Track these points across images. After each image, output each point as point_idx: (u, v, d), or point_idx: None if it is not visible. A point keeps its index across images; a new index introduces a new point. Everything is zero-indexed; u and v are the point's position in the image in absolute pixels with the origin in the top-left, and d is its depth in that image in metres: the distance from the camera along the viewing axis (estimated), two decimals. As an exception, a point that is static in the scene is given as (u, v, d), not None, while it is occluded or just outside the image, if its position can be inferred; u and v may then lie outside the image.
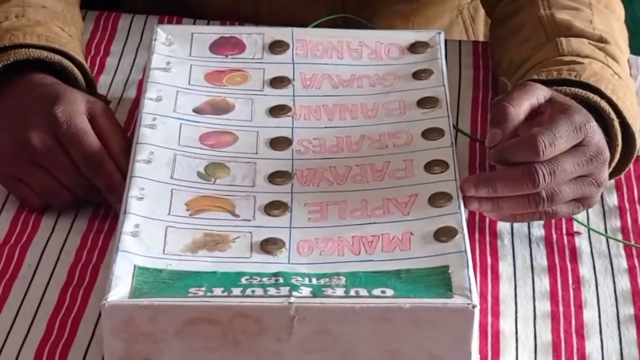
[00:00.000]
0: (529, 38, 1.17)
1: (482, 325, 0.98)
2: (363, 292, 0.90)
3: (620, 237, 1.08)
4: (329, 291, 0.90)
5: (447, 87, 1.13)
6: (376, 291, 0.90)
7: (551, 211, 1.01)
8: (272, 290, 0.90)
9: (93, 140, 1.06)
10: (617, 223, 1.10)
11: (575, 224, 1.08)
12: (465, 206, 1.00)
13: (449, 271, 0.92)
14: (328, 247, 0.96)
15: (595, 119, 1.05)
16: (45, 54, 1.11)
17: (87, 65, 1.16)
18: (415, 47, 1.18)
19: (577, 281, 1.04)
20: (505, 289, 1.03)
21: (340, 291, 0.90)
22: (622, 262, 1.06)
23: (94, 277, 1.01)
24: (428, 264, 0.94)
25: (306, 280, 0.92)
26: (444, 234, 0.96)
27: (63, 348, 0.96)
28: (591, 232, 1.08)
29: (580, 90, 1.07)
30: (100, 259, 1.03)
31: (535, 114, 1.03)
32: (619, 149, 1.08)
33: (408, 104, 1.12)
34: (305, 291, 0.90)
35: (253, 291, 0.90)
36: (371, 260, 0.95)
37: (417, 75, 1.15)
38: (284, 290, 0.90)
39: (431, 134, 1.07)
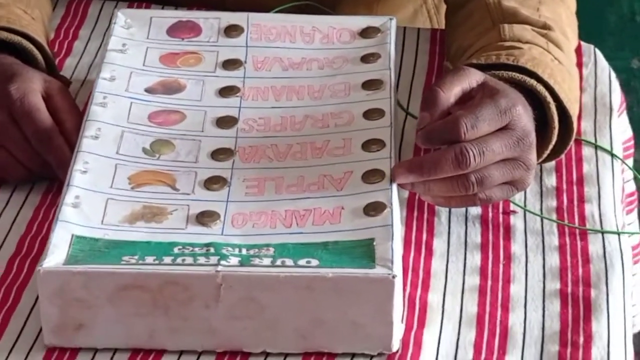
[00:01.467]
0: (477, 25, 1.19)
1: (411, 298, 1.00)
2: (289, 262, 0.93)
3: (554, 216, 1.10)
4: (257, 261, 0.93)
5: (392, 70, 1.14)
6: (302, 261, 0.93)
7: (485, 196, 1.03)
8: (201, 260, 0.93)
9: (45, 117, 1.08)
10: (553, 203, 1.12)
11: (511, 204, 1.09)
12: (400, 187, 1.01)
13: (374, 244, 0.95)
14: (261, 220, 0.99)
15: (531, 103, 1.07)
16: (4, 34, 1.14)
17: (47, 47, 1.18)
18: (366, 32, 1.20)
19: (508, 257, 1.06)
20: (438, 264, 1.05)
21: (267, 261, 0.93)
22: (553, 240, 1.08)
23: (41, 249, 1.02)
24: (355, 236, 0.96)
25: (236, 251, 0.94)
26: (373, 209, 0.98)
27: (5, 314, 0.98)
28: (527, 212, 1.09)
29: (517, 74, 1.09)
30: (49, 232, 1.04)
31: (467, 97, 1.04)
32: (556, 131, 1.09)
33: (353, 86, 1.14)
34: (234, 261, 0.93)
35: (184, 260, 0.93)
36: (301, 233, 0.97)
37: (365, 59, 1.17)
38: (214, 259, 0.93)
39: (372, 114, 1.09)
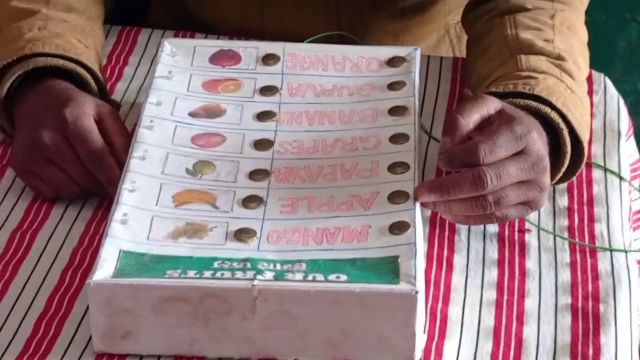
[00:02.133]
0: (496, 55, 1.18)
1: (433, 310, 0.99)
2: (320, 277, 0.92)
3: (566, 235, 1.08)
4: (290, 276, 0.92)
5: (417, 97, 1.14)
6: (332, 276, 0.92)
7: (501, 215, 1.02)
8: (239, 274, 0.92)
9: (96, 139, 1.08)
10: (565, 222, 1.10)
11: (526, 222, 1.08)
12: (422, 206, 1.01)
13: (398, 260, 0.94)
14: (294, 237, 0.98)
15: (546, 129, 1.06)
16: (61, 62, 1.14)
17: (99, 73, 1.18)
18: (393, 61, 1.19)
19: (523, 273, 1.04)
20: (457, 279, 1.04)
21: (299, 276, 0.92)
22: (565, 257, 1.06)
23: (92, 261, 1.00)
24: (381, 253, 0.95)
25: (271, 266, 0.94)
26: (398, 228, 0.97)
27: (58, 322, 0.97)
28: (540, 230, 1.08)
29: (533, 102, 1.07)
30: (100, 245, 1.03)
31: (486, 123, 1.03)
32: (568, 155, 1.08)
33: (380, 111, 1.13)
34: (269, 275, 0.92)
35: (222, 274, 0.92)
36: (331, 249, 0.96)
37: (392, 86, 1.16)
38: (250, 274, 0.92)
39: (398, 139, 1.09)
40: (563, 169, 1.09)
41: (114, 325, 0.93)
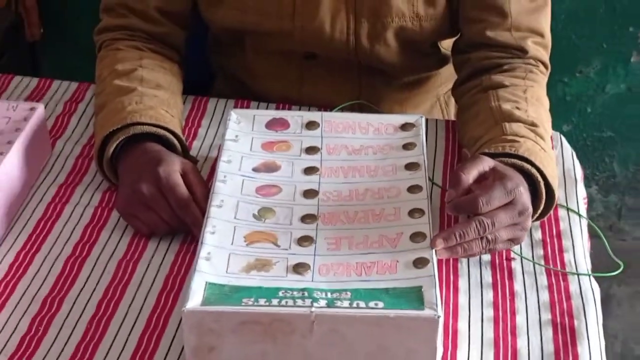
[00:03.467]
0: (484, 122, 1.09)
1: (445, 325, 0.91)
2: (362, 304, 0.84)
3: (542, 262, 1.00)
4: (339, 303, 0.84)
5: (425, 155, 1.05)
6: (371, 303, 0.84)
7: (493, 248, 0.95)
8: (299, 302, 0.84)
9: (183, 191, 1.00)
10: (541, 252, 1.02)
11: (512, 252, 1.00)
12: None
13: (422, 290, 0.85)
14: (339, 270, 0.90)
15: (527, 181, 0.98)
16: (154, 129, 1.06)
17: (183, 137, 1.10)
18: (405, 127, 1.10)
19: (512, 294, 0.96)
20: (463, 299, 0.95)
21: (346, 303, 0.84)
22: (543, 280, 0.98)
23: (181, 285, 0.96)
24: (408, 284, 0.87)
25: (323, 295, 0.86)
26: (420, 263, 0.89)
27: (157, 338, 0.89)
28: (523, 258, 1.00)
29: (518, 161, 0.99)
30: (186, 272, 0.96)
31: (482, 178, 0.95)
32: (543, 201, 1.00)
33: (398, 167, 1.04)
34: (322, 303, 0.84)
35: (286, 302, 0.84)
36: (369, 280, 0.88)
37: (406, 146, 1.07)
38: (308, 302, 0.84)
39: (414, 189, 1.00)
40: (539, 211, 1.01)
41: (202, 342, 0.84)
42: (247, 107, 1.25)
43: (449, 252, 0.92)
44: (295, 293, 0.85)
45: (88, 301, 0.93)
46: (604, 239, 1.05)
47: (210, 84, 1.42)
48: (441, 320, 0.82)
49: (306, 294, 0.85)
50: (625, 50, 2.05)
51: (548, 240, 1.03)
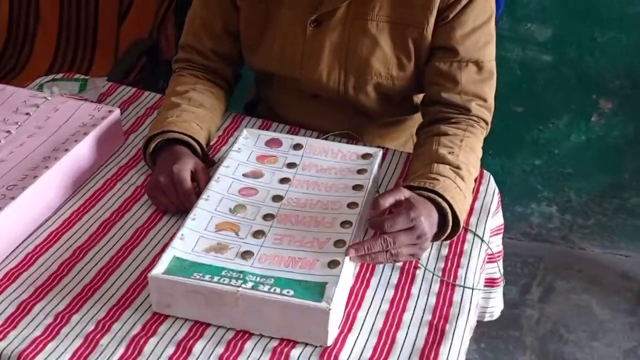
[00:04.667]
0: (422, 160, 0.99)
1: (347, 313, 0.82)
2: (278, 290, 0.76)
3: (440, 273, 0.88)
4: (260, 287, 0.76)
5: (370, 180, 0.94)
6: (285, 291, 0.75)
7: (396, 260, 0.84)
8: (233, 281, 0.77)
9: (188, 184, 0.94)
10: (442, 265, 0.90)
11: (420, 262, 0.88)
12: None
13: (326, 286, 0.76)
14: (274, 260, 0.81)
15: (439, 211, 0.87)
16: (182, 136, 1.00)
17: (204, 144, 1.03)
18: (365, 156, 1.00)
19: (408, 295, 0.85)
20: (369, 293, 0.85)
21: (266, 288, 0.76)
22: (435, 288, 0.86)
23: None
24: (318, 279, 0.78)
25: (253, 278, 0.78)
26: (333, 264, 0.80)
27: (140, 288, 0.83)
28: (425, 269, 0.88)
29: (433, 195, 0.88)
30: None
31: (398, 204, 0.85)
32: (449, 228, 0.89)
33: (348, 186, 0.94)
34: (249, 285, 0.77)
35: (224, 280, 0.77)
36: (291, 272, 0.79)
37: (359, 171, 0.97)
38: (239, 282, 0.77)
39: (352, 205, 0.90)
40: (446, 234, 0.89)
41: (161, 300, 0.78)
42: (269, 127, 1.17)
43: (360, 259, 0.83)
44: (233, 274, 0.78)
45: (104, 255, 0.88)
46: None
47: (255, 107, 1.35)
48: (335, 311, 0.74)
49: (241, 275, 0.78)
50: (588, 111, 1.87)
51: (451, 256, 0.91)
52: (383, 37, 1.04)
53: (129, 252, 0.88)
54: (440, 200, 0.88)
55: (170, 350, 0.75)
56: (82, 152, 0.99)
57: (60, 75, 1.23)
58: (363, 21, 1.04)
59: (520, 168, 1.98)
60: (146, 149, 1.00)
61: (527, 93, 1.86)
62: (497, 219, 1.04)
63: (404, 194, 0.85)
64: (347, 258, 0.80)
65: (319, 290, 0.76)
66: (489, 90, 1.07)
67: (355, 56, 1.06)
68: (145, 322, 0.78)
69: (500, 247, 1.09)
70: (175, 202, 0.94)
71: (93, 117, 1.05)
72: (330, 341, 0.76)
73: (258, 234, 0.85)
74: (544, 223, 2.06)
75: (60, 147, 0.97)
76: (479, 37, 1.03)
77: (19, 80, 1.68)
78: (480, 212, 0.99)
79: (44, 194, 0.92)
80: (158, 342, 0.76)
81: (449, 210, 0.88)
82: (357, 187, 0.93)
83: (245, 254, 0.81)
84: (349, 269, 0.81)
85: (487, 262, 1.01)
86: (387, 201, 0.84)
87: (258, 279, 0.77)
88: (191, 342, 0.76)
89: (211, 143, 1.10)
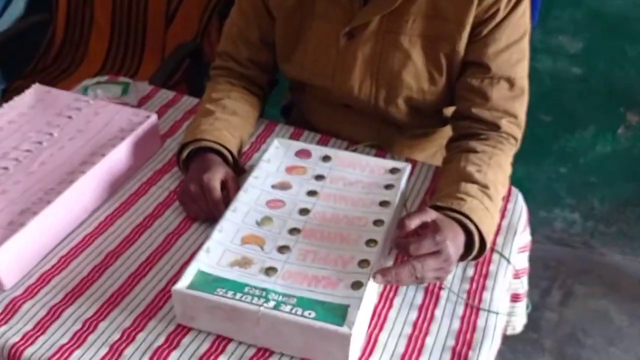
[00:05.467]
0: (449, 177, 0.90)
1: (370, 334, 0.74)
2: (299, 311, 0.68)
3: (465, 296, 0.80)
4: (282, 307, 0.69)
5: (398, 196, 0.86)
6: (307, 312, 0.68)
7: (420, 283, 0.78)
8: (255, 299, 0.70)
9: (217, 193, 0.87)
10: (467, 286, 0.81)
11: (444, 283, 0.80)
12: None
13: (348, 309, 0.69)
14: (298, 278, 0.74)
15: (465, 232, 0.79)
16: (214, 145, 0.93)
17: (235, 153, 0.96)
18: (392, 170, 0.92)
19: (432, 317, 0.77)
20: (393, 314, 0.77)
21: (288, 308, 0.69)
22: (459, 311, 0.78)
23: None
24: (340, 301, 0.70)
25: (275, 297, 0.71)
26: (356, 285, 0.72)
27: (167, 297, 0.77)
28: (450, 291, 0.80)
29: (459, 216, 0.80)
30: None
31: (424, 225, 0.77)
32: (476, 249, 0.81)
33: (375, 202, 0.86)
34: (271, 304, 0.69)
35: (246, 297, 0.70)
36: (314, 291, 0.72)
37: (387, 186, 0.89)
38: (261, 301, 0.70)
39: (378, 223, 0.82)
40: (472, 255, 0.81)
41: (185, 312, 0.72)
42: (300, 135, 1.09)
43: (385, 281, 0.75)
44: (256, 291, 0.71)
45: (134, 261, 0.82)
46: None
47: (289, 114, 1.27)
48: (357, 335, 0.66)
49: (264, 293, 0.71)
50: (615, 123, 1.74)
51: (476, 278, 0.82)
52: (415, 51, 0.95)
53: (159, 259, 0.82)
54: (467, 221, 0.79)
55: (195, 364, 0.69)
56: (118, 156, 0.94)
57: (104, 78, 1.18)
58: (395, 35, 0.95)
59: (546, 175, 1.86)
60: (180, 156, 0.94)
61: (556, 103, 1.74)
62: (524, 237, 0.95)
63: (431, 215, 0.77)
64: (371, 280, 0.72)
65: (341, 313, 0.68)
66: (520, 107, 0.97)
67: (386, 69, 0.98)
68: (169, 333, 0.72)
69: (526, 265, 1.00)
70: (205, 210, 0.87)
71: (131, 121, 0.99)
72: (350, 364, 0.69)
73: (283, 249, 0.78)
74: (567, 228, 1.94)
75: (97, 152, 0.92)
76: (512, 54, 0.93)
77: (73, 79, 1.64)
78: (507, 231, 0.90)
79: (80, 198, 0.87)
80: (180, 356, 0.70)
81: (475, 231, 0.79)
82: (383, 204, 0.85)
83: (269, 270, 0.74)
84: (372, 290, 0.73)
85: (514, 278, 0.92)
86: (413, 222, 0.76)
87: (280, 297, 0.70)
88: (212, 357, 0.70)
89: (243, 150, 1.03)
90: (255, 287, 0.71)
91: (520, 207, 0.95)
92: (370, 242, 0.78)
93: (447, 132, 1.12)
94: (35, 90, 1.04)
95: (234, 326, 0.70)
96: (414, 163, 1.01)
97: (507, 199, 0.95)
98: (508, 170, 0.94)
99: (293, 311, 0.68)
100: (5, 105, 0.99)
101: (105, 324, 0.73)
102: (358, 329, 0.67)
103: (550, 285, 1.82)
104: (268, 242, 0.79)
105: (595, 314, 1.75)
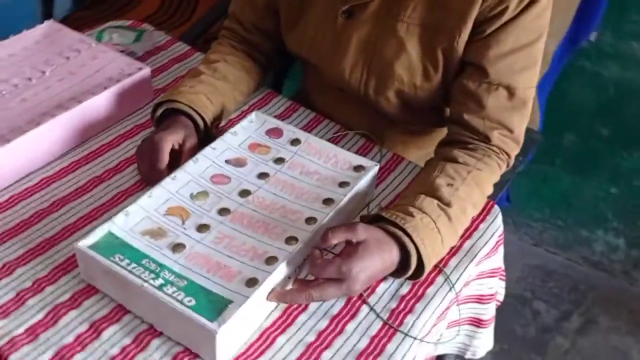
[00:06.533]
0: (416, 184, 0.80)
1: (269, 334, 0.67)
2: (182, 295, 0.63)
3: (386, 315, 0.70)
4: (167, 287, 0.65)
5: (348, 196, 0.76)
6: (187, 299, 0.63)
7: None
8: (146, 273, 0.65)
9: (162, 155, 0.81)
10: (394, 305, 0.72)
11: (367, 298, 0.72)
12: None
13: (229, 305, 0.63)
14: (201, 261, 0.69)
15: (402, 250, 0.70)
16: (185, 108, 0.87)
17: (208, 119, 0.89)
18: (357, 168, 0.82)
19: (341, 331, 0.68)
20: (303, 318, 0.69)
21: (171, 290, 0.64)
22: (372, 330, 0.69)
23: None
24: (227, 295, 0.65)
25: (167, 275, 0.66)
26: (250, 282, 0.66)
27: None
28: (372, 308, 0.71)
29: (400, 232, 0.70)
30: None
31: (349, 243, 0.69)
32: (411, 270, 0.71)
33: (319, 198, 0.78)
34: (158, 282, 0.64)
35: (139, 270, 0.66)
36: (208, 279, 0.67)
37: (341, 184, 0.80)
38: (151, 276, 0.65)
39: (310, 220, 0.74)
40: (406, 276, 0.72)
41: (86, 270, 0.70)
42: (295, 111, 1.01)
43: (278, 299, 0.68)
44: (152, 265, 0.67)
45: (75, 214, 0.79)
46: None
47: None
48: (225, 334, 0.60)
49: (158, 269, 0.66)
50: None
51: (407, 298, 0.73)
52: (411, 41, 0.84)
53: (100, 215, 0.79)
54: (406, 240, 0.69)
55: (83, 327, 0.66)
56: (95, 105, 0.91)
57: (127, 23, 1.16)
58: (393, 21, 0.84)
59: (594, 192, 1.65)
60: (153, 114, 0.90)
61: (617, 116, 1.52)
62: (495, 261, 0.83)
63: (359, 236, 0.68)
64: (270, 280, 0.65)
65: (219, 308, 0.62)
66: (519, 121, 0.83)
67: (379, 58, 0.87)
68: (76, 292, 0.69)
69: (495, 290, 0.88)
70: (145, 171, 0.83)
71: (122, 71, 0.96)
72: (221, 361, 0.63)
73: (203, 227, 0.72)
74: (607, 253, 1.72)
75: (76, 97, 0.90)
76: (517, 59, 0.80)
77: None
78: (466, 254, 0.79)
79: (44, 142, 0.85)
80: (77, 317, 0.67)
81: (414, 253, 0.69)
82: (327, 201, 0.76)
83: (177, 247, 0.69)
84: (267, 290, 0.66)
85: (477, 302, 0.82)
86: (337, 237, 0.67)
87: (172, 277, 0.65)
88: (105, 324, 0.67)
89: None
90: (154, 261, 0.67)
91: (495, 228, 0.83)
92: (292, 239, 0.71)
93: (439, 134, 1.00)
94: (47, 26, 1.03)
95: (127, 296, 0.66)
96: (399, 160, 0.91)
97: (482, 217, 0.83)
98: (487, 188, 0.82)
99: (175, 294, 0.63)
100: (12, 37, 0.99)
101: (21, 270, 0.71)
102: (231, 328, 0.61)
103: (572, 309, 1.63)
104: (193, 217, 0.73)
105: (614, 351, 1.55)
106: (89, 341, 0.64)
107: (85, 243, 0.67)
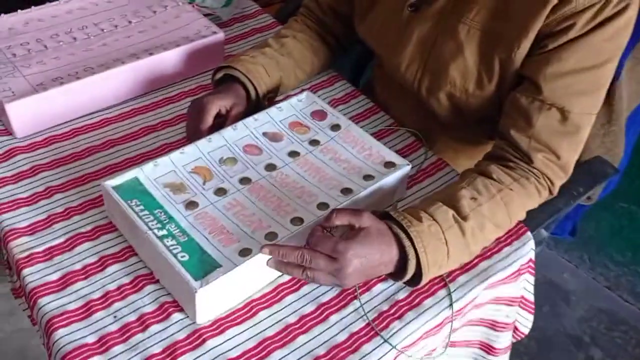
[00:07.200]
0: (440, 193, 0.76)
1: (254, 305, 0.68)
2: (178, 249, 0.66)
3: (372, 316, 0.68)
4: (167, 240, 0.68)
5: (368, 190, 0.74)
6: (182, 254, 0.66)
7: (312, 281, 0.67)
8: (153, 222, 0.69)
9: (206, 117, 0.82)
10: (385, 308, 0.69)
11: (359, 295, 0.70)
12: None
13: (217, 268, 0.64)
14: (208, 222, 0.71)
15: (401, 252, 0.67)
16: (240, 76, 0.88)
17: (261, 90, 0.89)
18: (388, 164, 0.80)
19: (324, 319, 0.68)
20: (291, 298, 0.69)
21: (172, 242, 0.67)
22: (354, 328, 0.67)
23: None
24: (219, 258, 0.67)
25: (172, 228, 0.69)
26: (243, 252, 0.67)
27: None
28: (361, 304, 0.70)
29: (402, 234, 0.68)
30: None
31: (351, 227, 0.67)
32: (408, 276, 0.68)
33: (339, 187, 0.76)
34: (161, 233, 0.67)
35: (149, 218, 0.69)
36: (209, 241, 0.69)
37: (365, 177, 0.78)
38: (157, 226, 0.68)
39: (321, 206, 0.73)
40: (403, 280, 0.69)
41: (109, 207, 0.74)
42: (354, 98, 0.99)
43: (275, 265, 0.67)
44: (162, 216, 0.70)
45: (120, 155, 0.84)
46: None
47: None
48: (206, 295, 0.62)
49: (167, 221, 0.69)
50: None
51: (401, 303, 0.70)
52: (470, 46, 0.79)
53: (140, 162, 0.83)
54: (406, 244, 0.67)
55: (92, 259, 0.71)
56: (163, 59, 0.95)
57: (225, -14, 1.19)
58: (456, 21, 0.80)
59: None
60: (214, 77, 0.93)
61: None
62: (514, 288, 0.78)
63: (363, 222, 0.66)
64: (260, 254, 0.66)
65: (207, 269, 0.64)
66: (569, 147, 0.76)
67: (436, 57, 0.83)
68: (97, 226, 0.74)
69: (511, 320, 0.82)
70: (191, 129, 0.85)
71: (198, 33, 1.00)
72: (201, 321, 0.65)
73: (221, 191, 0.74)
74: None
75: (150, 49, 0.95)
76: (576, 81, 0.73)
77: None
78: (478, 274, 0.74)
79: (110, 85, 0.90)
80: (90, 248, 0.71)
81: (412, 257, 0.67)
82: (345, 191, 0.75)
83: (191, 204, 0.72)
84: (259, 263, 0.67)
85: (490, 328, 0.78)
86: (339, 219, 0.66)
87: (176, 231, 0.68)
88: (112, 261, 0.71)
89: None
90: (165, 213, 0.70)
91: (520, 255, 0.77)
92: (298, 220, 0.71)
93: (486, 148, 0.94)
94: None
95: (135, 240, 0.70)
96: (443, 166, 0.87)
97: (510, 241, 0.78)
98: (518, 212, 0.76)
99: (172, 247, 0.66)
100: (113, -14, 1.06)
101: (59, 196, 0.77)
102: (211, 291, 0.62)
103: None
104: (214, 180, 0.76)
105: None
106: (93, 272, 0.69)
107: (110, 183, 0.72)
